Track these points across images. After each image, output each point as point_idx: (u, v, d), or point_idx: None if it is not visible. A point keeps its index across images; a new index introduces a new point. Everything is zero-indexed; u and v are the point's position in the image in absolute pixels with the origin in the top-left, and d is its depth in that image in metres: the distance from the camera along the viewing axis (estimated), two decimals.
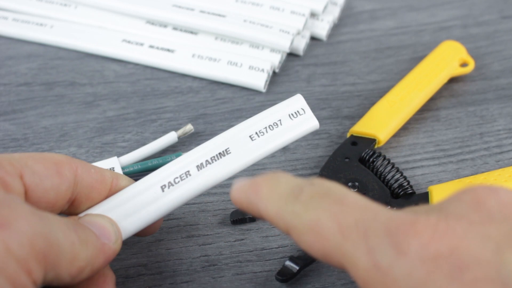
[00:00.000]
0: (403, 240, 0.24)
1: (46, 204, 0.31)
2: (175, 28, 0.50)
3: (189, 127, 0.43)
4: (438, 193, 0.38)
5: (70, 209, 0.32)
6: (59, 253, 0.27)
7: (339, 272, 0.36)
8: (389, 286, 0.24)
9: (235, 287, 0.35)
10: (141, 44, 0.49)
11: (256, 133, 0.34)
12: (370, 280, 0.25)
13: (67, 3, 0.51)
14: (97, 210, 0.32)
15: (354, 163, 0.40)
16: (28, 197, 0.30)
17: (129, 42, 0.49)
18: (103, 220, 0.31)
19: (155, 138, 0.43)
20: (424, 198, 0.39)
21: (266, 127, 0.34)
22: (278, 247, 0.37)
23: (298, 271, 0.35)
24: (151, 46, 0.49)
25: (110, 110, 0.45)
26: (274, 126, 0.34)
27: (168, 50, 0.49)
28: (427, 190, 0.39)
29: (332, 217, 0.26)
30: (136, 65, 0.49)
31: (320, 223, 0.26)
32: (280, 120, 0.35)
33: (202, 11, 0.50)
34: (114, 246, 0.31)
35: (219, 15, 0.50)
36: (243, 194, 0.30)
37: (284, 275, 0.35)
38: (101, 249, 0.30)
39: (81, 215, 0.32)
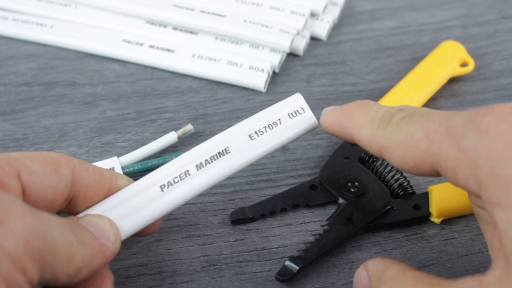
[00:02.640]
0: (482, 121, 0.27)
1: (44, 203, 0.31)
2: (175, 28, 0.50)
3: (189, 127, 0.43)
4: (438, 193, 0.38)
5: (69, 208, 0.32)
6: (56, 253, 0.27)
7: (339, 272, 0.36)
8: (475, 163, 0.27)
9: (235, 287, 0.35)
10: (141, 44, 0.49)
11: (256, 132, 0.34)
12: (458, 165, 0.28)
13: (67, 3, 0.51)
14: (96, 210, 0.32)
15: (354, 163, 0.40)
16: (26, 196, 0.30)
17: (129, 42, 0.49)
18: (102, 221, 0.31)
19: (155, 138, 0.43)
20: (424, 198, 0.39)
21: (265, 126, 0.34)
22: (278, 247, 0.37)
23: (298, 271, 0.35)
24: (151, 46, 0.49)
25: (110, 110, 0.45)
26: (273, 125, 0.34)
27: (168, 50, 0.49)
28: (427, 190, 0.39)
29: (419, 128, 0.29)
30: (136, 65, 0.49)
31: (409, 136, 0.29)
32: (279, 119, 0.35)
33: (202, 11, 0.50)
34: (113, 247, 0.31)
35: (219, 15, 0.50)
36: (335, 118, 0.33)
37: (284, 275, 0.35)
38: (99, 250, 0.30)
39: (80, 215, 0.32)
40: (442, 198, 0.38)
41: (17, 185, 0.30)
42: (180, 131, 0.42)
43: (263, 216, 0.39)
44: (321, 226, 0.37)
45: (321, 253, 0.36)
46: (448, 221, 0.39)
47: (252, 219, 0.38)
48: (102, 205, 0.33)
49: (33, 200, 0.30)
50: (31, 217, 0.27)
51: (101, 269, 0.30)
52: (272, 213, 0.39)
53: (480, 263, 0.37)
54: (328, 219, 0.38)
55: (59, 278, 0.28)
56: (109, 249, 0.30)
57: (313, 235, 0.37)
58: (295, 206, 0.39)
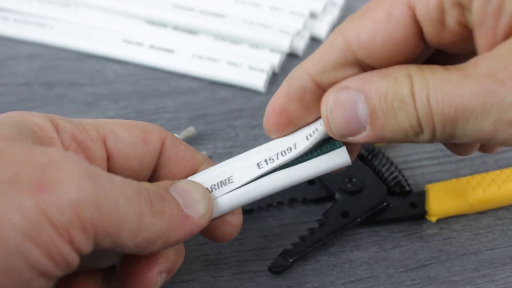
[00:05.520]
0: None
1: (129, 172, 0.30)
2: (175, 28, 0.50)
3: (191, 130, 0.43)
4: (435, 191, 0.39)
5: (149, 181, 0.31)
6: (117, 222, 0.25)
7: (339, 271, 0.36)
8: None
9: (235, 286, 0.36)
10: (141, 44, 0.49)
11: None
12: None
13: (67, 3, 0.51)
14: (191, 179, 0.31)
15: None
16: (110, 163, 0.30)
17: (129, 42, 0.49)
18: (196, 190, 0.30)
19: None
20: (421, 196, 0.39)
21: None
22: (277, 247, 0.37)
23: (291, 263, 0.36)
24: (151, 46, 0.49)
25: (110, 110, 0.46)
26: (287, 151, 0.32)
27: (168, 50, 0.49)
28: (424, 189, 0.39)
29: None
30: (136, 65, 0.49)
31: None
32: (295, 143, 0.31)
33: (202, 11, 0.50)
34: (199, 220, 0.29)
35: (219, 15, 0.50)
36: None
37: (277, 267, 0.36)
38: (181, 223, 0.28)
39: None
40: (439, 197, 0.38)
41: (102, 151, 0.29)
42: (182, 135, 0.42)
43: (260, 208, 0.39)
44: (316, 220, 0.38)
45: (314, 246, 0.36)
46: (447, 220, 0.39)
47: (249, 211, 0.38)
48: (197, 176, 0.31)
49: (118, 168, 0.30)
50: (89, 182, 0.25)
51: (180, 242, 0.29)
52: (269, 206, 0.39)
53: (479, 262, 0.37)
54: (324, 213, 0.38)
55: (125, 247, 0.26)
56: (194, 222, 0.29)
57: (307, 228, 0.37)
58: (293, 200, 0.39)
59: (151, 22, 0.51)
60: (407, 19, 0.27)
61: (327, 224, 0.37)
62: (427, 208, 0.38)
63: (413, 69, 0.26)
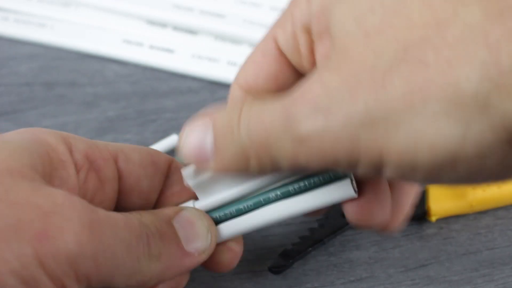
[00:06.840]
0: None
1: (139, 193, 0.30)
2: (175, 28, 0.50)
3: None
4: (435, 191, 0.39)
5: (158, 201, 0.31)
6: (112, 271, 0.26)
7: (339, 271, 0.36)
8: None
9: (235, 286, 0.36)
10: (141, 44, 0.49)
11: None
12: None
13: (67, 3, 0.51)
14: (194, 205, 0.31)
15: None
16: (121, 184, 0.30)
17: (129, 42, 0.49)
18: (201, 223, 0.29)
19: (155, 138, 0.43)
20: (420, 196, 0.39)
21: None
22: (278, 247, 0.37)
23: (291, 263, 0.36)
24: (151, 46, 0.49)
25: (110, 110, 0.46)
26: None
27: (168, 50, 0.49)
28: (424, 189, 0.39)
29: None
30: (136, 65, 0.49)
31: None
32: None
33: (202, 11, 0.50)
34: (198, 258, 0.29)
35: (219, 15, 0.50)
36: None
37: (277, 267, 0.36)
38: (177, 262, 0.28)
39: (186, 204, 0.31)
40: (439, 197, 0.38)
41: (113, 171, 0.29)
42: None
43: None
44: (316, 220, 0.38)
45: (314, 246, 0.36)
46: (447, 220, 0.39)
47: None
48: (201, 202, 0.31)
49: (128, 189, 0.30)
50: (89, 234, 0.25)
51: (174, 277, 0.29)
52: None
53: (478, 262, 0.37)
54: (324, 213, 0.38)
55: (117, 286, 0.27)
56: (192, 261, 0.29)
57: (307, 228, 0.37)
58: None
59: (151, 22, 0.51)
60: (275, 52, 0.27)
61: (327, 224, 0.37)
62: (427, 208, 0.38)
63: (249, 97, 0.27)
